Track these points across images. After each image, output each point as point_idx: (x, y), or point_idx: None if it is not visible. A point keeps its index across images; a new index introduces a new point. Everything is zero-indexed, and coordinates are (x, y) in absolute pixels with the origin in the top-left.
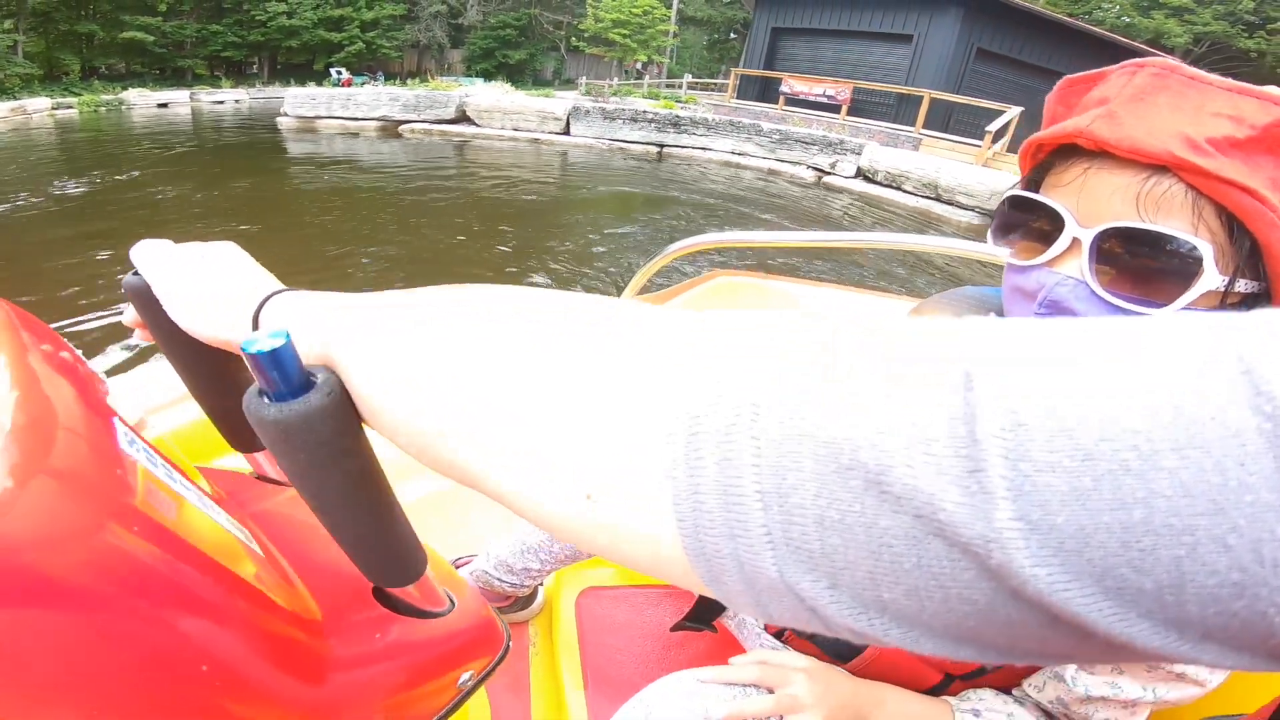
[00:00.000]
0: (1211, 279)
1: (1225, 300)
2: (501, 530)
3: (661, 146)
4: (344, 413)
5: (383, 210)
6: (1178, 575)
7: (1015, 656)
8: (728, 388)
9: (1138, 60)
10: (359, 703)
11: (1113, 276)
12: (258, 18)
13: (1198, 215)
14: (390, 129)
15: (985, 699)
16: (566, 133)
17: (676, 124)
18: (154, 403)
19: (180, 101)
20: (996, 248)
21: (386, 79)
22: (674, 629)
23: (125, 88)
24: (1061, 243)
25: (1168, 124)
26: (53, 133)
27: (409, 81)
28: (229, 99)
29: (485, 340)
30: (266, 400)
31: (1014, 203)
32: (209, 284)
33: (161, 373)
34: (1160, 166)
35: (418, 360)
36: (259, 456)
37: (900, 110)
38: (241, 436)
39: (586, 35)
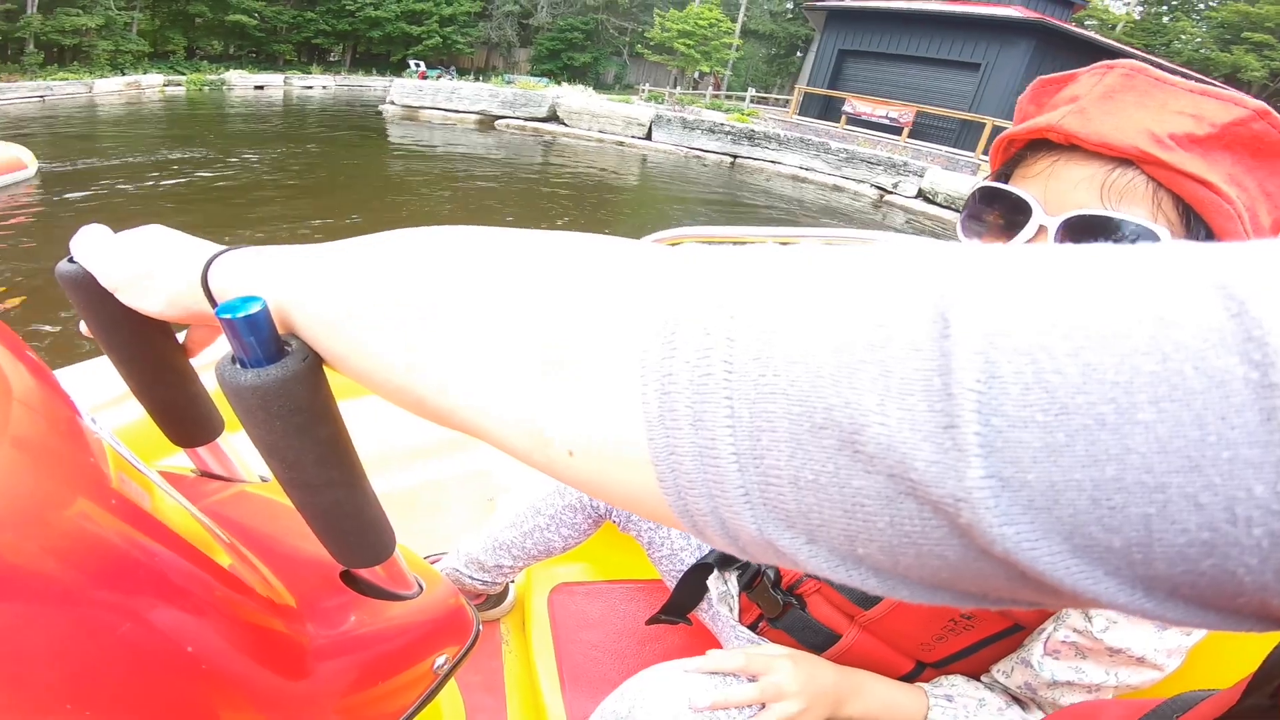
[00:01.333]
0: None
1: None
2: (472, 528)
3: (735, 157)
4: (318, 378)
5: (490, 194)
6: (1146, 534)
7: (989, 603)
8: (700, 345)
9: (1108, 62)
10: (340, 688)
11: None
12: (347, 7)
13: (1157, 205)
14: (486, 122)
15: (957, 684)
16: (648, 138)
17: (750, 137)
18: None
19: (275, 85)
20: (966, 238)
21: (459, 74)
22: (649, 622)
23: (226, 69)
24: (1029, 230)
25: (1134, 120)
26: (166, 106)
27: (493, 78)
28: (317, 85)
29: (456, 286)
30: (241, 367)
31: (984, 194)
32: (152, 257)
33: (90, 374)
34: (1124, 159)
35: (388, 303)
36: (202, 452)
37: (962, 135)
38: (183, 430)
39: (652, 43)
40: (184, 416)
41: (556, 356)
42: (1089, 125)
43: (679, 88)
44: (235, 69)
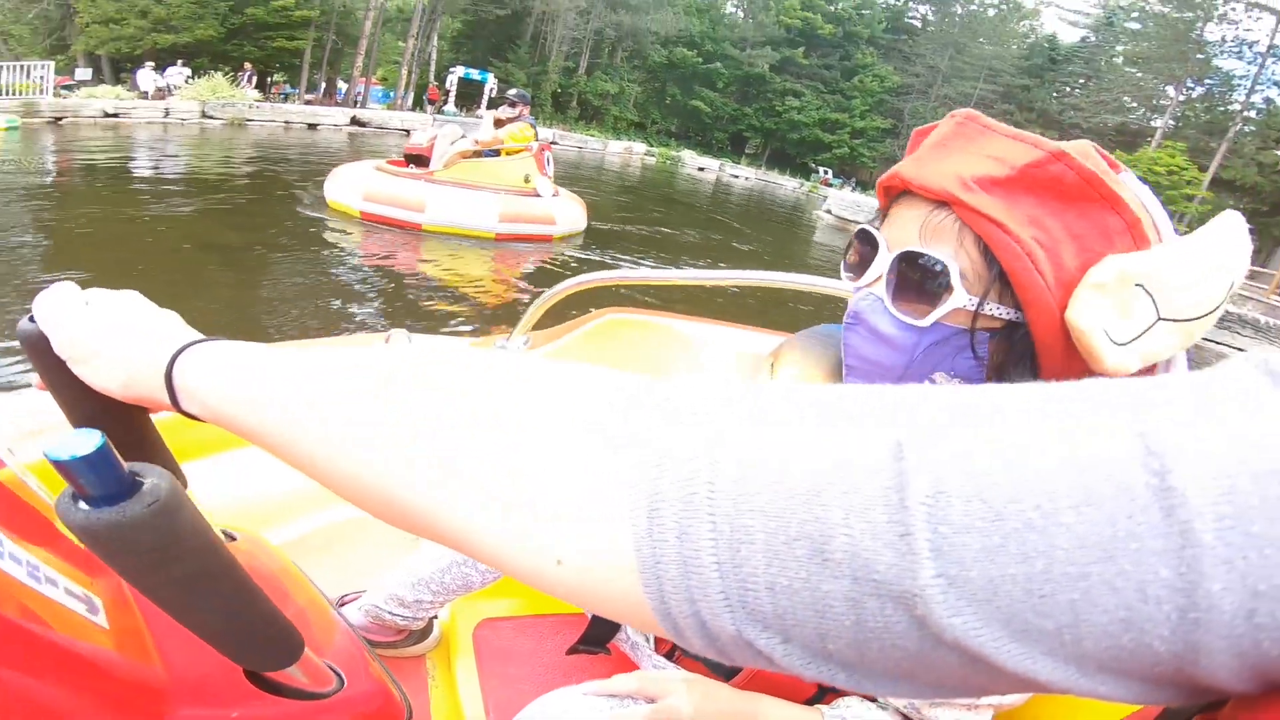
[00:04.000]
0: (959, 297)
1: (978, 321)
2: (390, 565)
3: None
4: (174, 517)
5: None
6: (1073, 616)
7: (944, 692)
8: (686, 468)
9: (954, 112)
10: None
11: (900, 293)
12: (776, 107)
13: (960, 243)
14: None
15: (852, 705)
16: None
17: (1221, 317)
18: (28, 428)
19: (711, 169)
20: (845, 274)
21: (859, 186)
22: (569, 652)
23: (680, 147)
24: (877, 266)
25: (952, 165)
26: (643, 173)
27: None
28: (741, 175)
29: (450, 411)
30: (82, 505)
31: (858, 235)
32: (114, 335)
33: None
34: (940, 201)
35: (375, 421)
36: None
37: None
38: None
39: None
40: None
41: (550, 481)
42: (919, 171)
43: None
44: (684, 149)
